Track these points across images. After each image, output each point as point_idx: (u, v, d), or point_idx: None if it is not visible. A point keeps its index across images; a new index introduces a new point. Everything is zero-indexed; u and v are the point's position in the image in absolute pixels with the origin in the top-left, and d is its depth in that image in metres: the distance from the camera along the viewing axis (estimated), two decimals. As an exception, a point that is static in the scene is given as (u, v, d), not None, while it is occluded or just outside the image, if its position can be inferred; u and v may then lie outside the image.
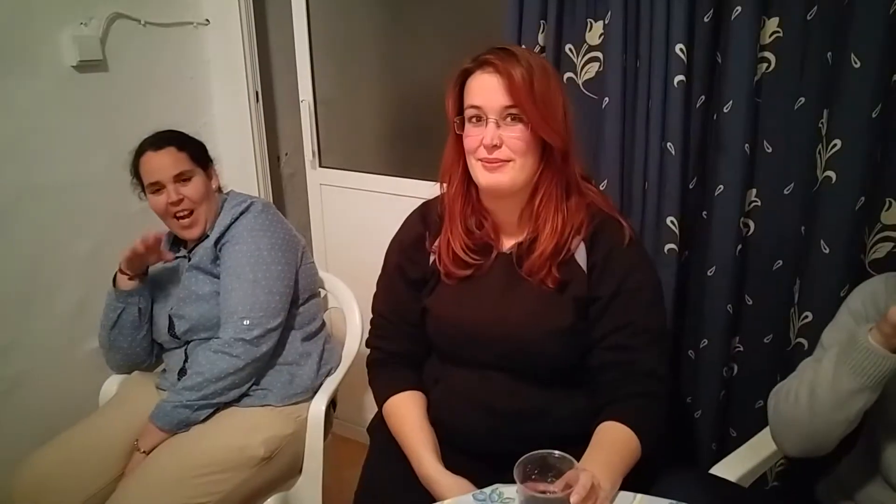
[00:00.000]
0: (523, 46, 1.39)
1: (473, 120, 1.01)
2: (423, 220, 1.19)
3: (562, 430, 1.04)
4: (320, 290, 1.67)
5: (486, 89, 0.99)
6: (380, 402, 1.18)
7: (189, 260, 1.50)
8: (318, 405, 1.46)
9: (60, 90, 1.74)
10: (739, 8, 1.23)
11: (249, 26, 2.06)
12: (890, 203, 1.20)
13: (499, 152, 1.00)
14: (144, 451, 1.35)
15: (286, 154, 2.32)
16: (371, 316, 1.25)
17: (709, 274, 1.40)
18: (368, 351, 1.25)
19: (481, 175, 1.02)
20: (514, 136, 0.99)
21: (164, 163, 1.44)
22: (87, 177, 1.82)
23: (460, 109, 1.03)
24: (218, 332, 1.41)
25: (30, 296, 1.74)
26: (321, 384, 1.52)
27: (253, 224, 1.46)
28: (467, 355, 1.11)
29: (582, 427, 1.02)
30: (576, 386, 1.08)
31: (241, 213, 1.47)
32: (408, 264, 1.17)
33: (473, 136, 1.01)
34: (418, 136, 1.95)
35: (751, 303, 1.42)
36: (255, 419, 1.40)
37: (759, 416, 1.42)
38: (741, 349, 1.46)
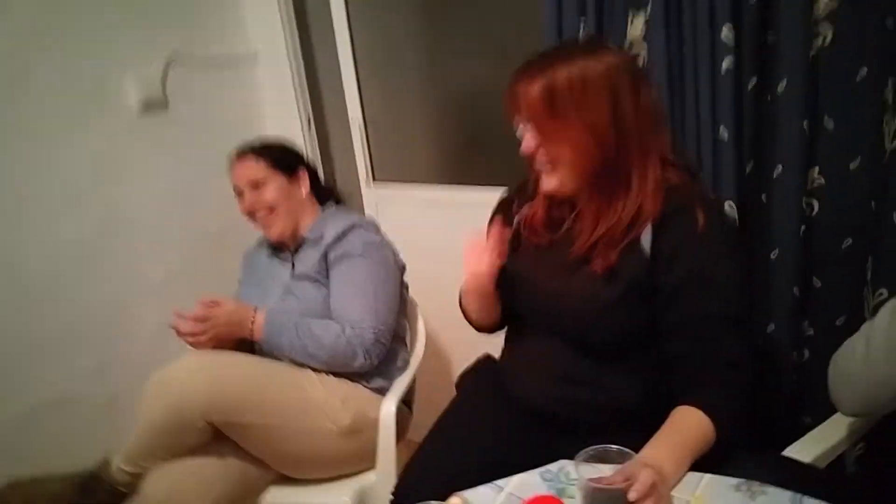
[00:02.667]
0: (604, 44, 1.13)
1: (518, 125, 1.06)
2: (520, 187, 1.24)
3: (616, 403, 1.07)
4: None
5: (514, 100, 1.03)
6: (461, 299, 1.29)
7: (293, 266, 1.59)
8: (389, 406, 1.48)
9: (127, 127, 1.85)
10: (790, -20, 1.19)
11: (296, 55, 2.13)
12: (966, 171, 1.14)
13: (540, 155, 1.04)
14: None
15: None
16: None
17: (772, 257, 1.36)
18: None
19: (540, 181, 1.08)
20: (546, 144, 1.03)
21: (241, 170, 1.57)
22: (157, 208, 1.94)
23: None
24: None
25: (117, 321, 1.87)
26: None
27: (376, 241, 1.55)
28: (531, 318, 1.17)
29: (638, 405, 1.05)
30: (633, 365, 1.08)
31: (355, 226, 1.54)
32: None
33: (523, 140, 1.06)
34: (468, 142, 1.98)
35: (819, 285, 1.37)
36: (350, 391, 1.47)
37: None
38: (812, 333, 1.41)
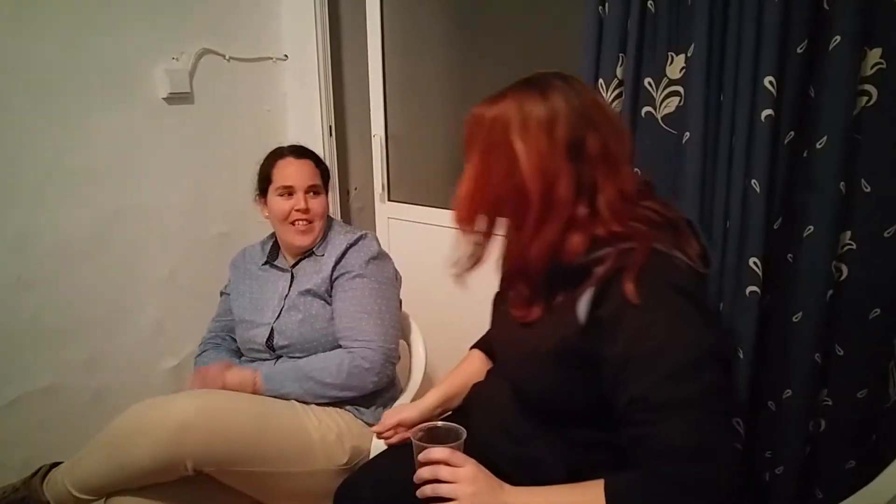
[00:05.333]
0: (563, 82, 0.99)
1: None
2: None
3: (536, 475, 0.98)
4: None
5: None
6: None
7: (292, 278, 1.55)
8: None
9: (152, 120, 1.84)
10: (839, 38, 1.16)
11: (326, 62, 2.13)
12: None
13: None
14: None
15: (356, 188, 2.36)
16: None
17: (794, 320, 1.31)
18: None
19: None
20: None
21: (303, 171, 1.53)
22: (169, 202, 1.92)
23: None
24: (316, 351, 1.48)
25: (114, 313, 1.83)
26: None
27: (378, 254, 1.54)
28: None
29: (556, 482, 0.94)
30: (561, 438, 1.01)
31: (359, 241, 1.53)
32: None
33: None
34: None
35: (842, 353, 1.31)
36: (345, 425, 1.43)
37: (850, 478, 1.30)
38: (830, 403, 1.34)
